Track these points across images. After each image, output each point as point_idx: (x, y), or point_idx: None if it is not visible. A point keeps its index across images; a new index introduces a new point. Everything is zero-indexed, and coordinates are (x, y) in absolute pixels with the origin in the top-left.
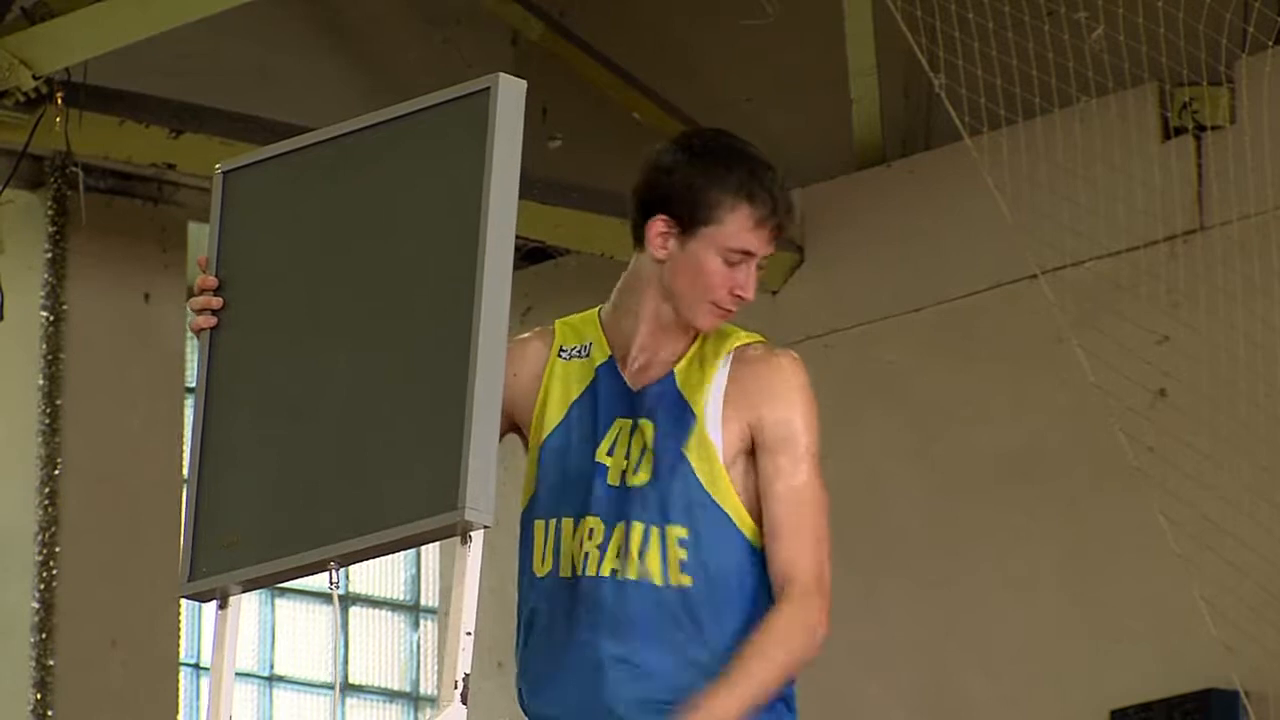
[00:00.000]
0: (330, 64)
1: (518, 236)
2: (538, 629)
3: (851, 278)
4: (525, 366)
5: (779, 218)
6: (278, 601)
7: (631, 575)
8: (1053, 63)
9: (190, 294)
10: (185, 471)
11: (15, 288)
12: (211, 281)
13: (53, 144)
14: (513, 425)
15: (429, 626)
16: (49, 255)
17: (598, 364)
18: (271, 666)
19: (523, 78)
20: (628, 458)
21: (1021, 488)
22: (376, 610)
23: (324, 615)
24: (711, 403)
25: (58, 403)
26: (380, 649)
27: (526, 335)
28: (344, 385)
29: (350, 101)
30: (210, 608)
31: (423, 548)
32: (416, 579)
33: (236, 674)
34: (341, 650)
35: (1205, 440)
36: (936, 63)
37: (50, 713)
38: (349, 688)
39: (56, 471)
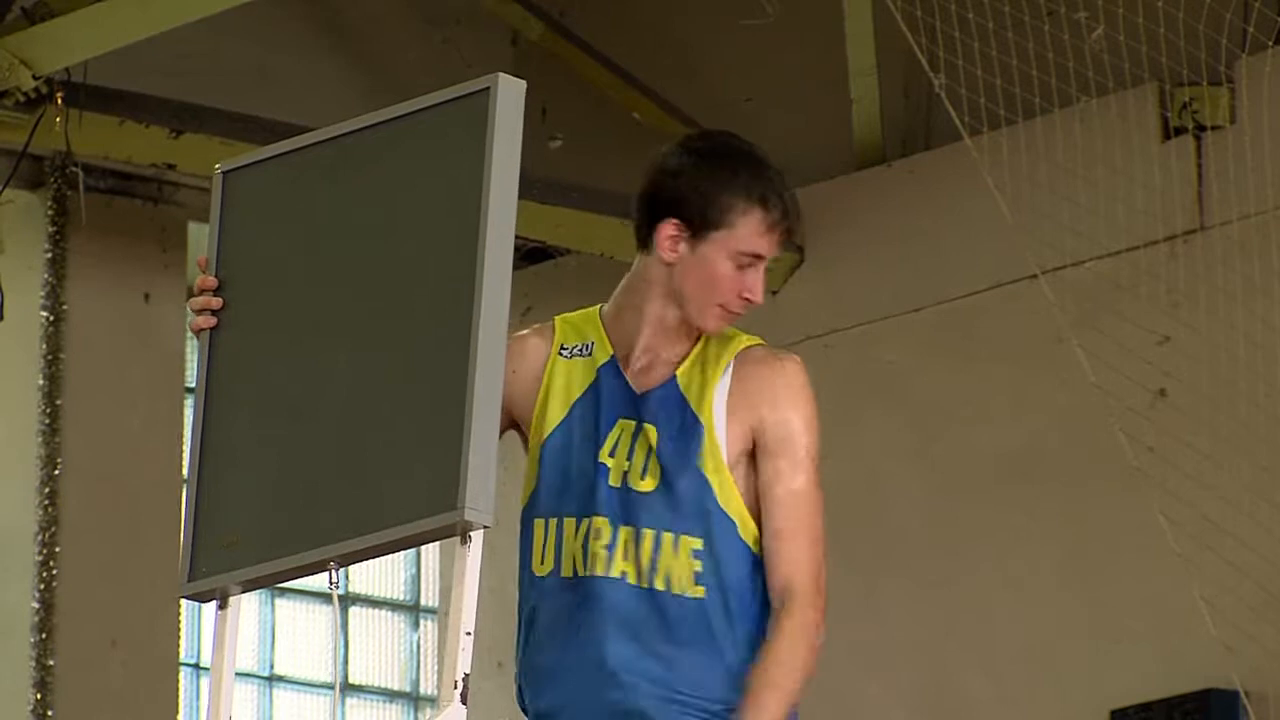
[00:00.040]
0: (330, 64)
1: (518, 236)
2: (539, 628)
3: (851, 278)
4: (525, 363)
5: (789, 221)
6: (278, 601)
7: (644, 583)
8: (1053, 63)
9: (190, 294)
10: (185, 471)
11: (15, 288)
12: (211, 282)
13: (53, 144)
14: (512, 422)
15: (429, 626)
16: (49, 255)
17: (600, 363)
18: (271, 666)
19: (523, 78)
20: (629, 460)
21: (1021, 488)
22: (376, 610)
23: (324, 615)
24: (717, 408)
25: (58, 403)
26: (380, 649)
27: (525, 332)
28: (344, 385)
29: (350, 101)
30: (210, 608)
31: (423, 548)
32: (416, 579)
33: (236, 674)
34: (341, 650)
35: (1205, 440)
36: (936, 63)
37: (50, 713)
38: (349, 688)
39: (56, 471)
